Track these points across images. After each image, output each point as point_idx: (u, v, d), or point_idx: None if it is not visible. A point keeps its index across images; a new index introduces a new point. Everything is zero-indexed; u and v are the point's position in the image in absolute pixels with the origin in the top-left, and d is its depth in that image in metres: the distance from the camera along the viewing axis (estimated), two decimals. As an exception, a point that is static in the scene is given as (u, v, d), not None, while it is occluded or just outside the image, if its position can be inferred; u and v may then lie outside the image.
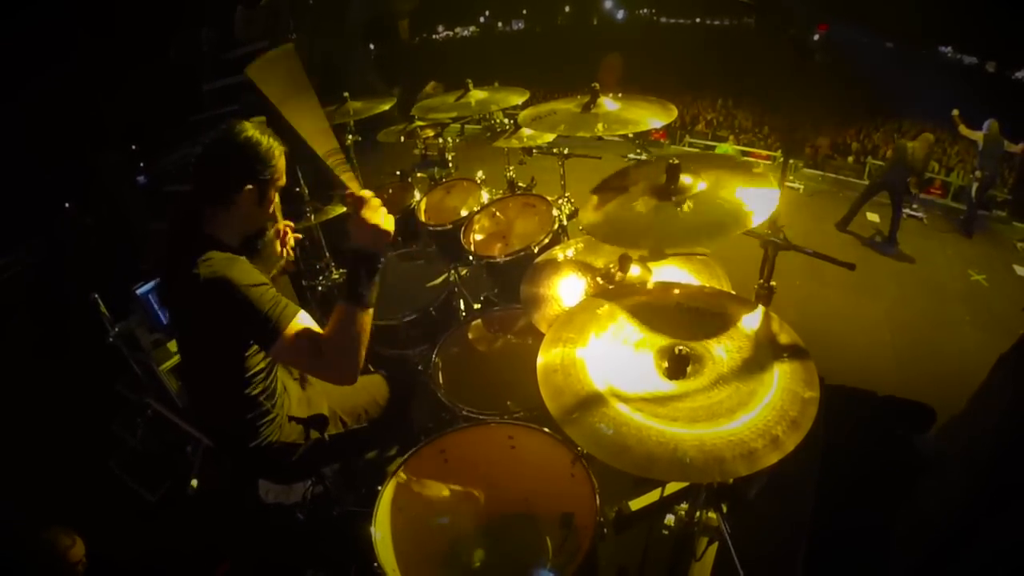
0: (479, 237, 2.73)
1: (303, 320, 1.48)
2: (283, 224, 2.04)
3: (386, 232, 1.48)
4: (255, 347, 1.59)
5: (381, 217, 1.47)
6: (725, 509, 1.88)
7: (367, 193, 1.48)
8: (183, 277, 1.46)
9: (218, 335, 1.53)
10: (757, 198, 1.49)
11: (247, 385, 1.63)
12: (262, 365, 1.65)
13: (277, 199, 1.69)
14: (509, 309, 2.43)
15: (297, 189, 3.06)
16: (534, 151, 3.00)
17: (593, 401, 1.23)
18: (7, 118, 4.91)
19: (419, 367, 2.37)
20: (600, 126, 2.10)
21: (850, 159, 11.67)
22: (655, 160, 1.81)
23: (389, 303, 2.50)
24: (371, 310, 1.48)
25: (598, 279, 2.02)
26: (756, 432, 1.10)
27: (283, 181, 1.63)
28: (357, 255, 1.47)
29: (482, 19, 27.68)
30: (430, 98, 3.36)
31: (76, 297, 3.26)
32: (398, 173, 3.35)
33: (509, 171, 3.20)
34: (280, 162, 1.58)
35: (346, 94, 3.31)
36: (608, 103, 2.19)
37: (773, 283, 1.65)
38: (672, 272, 1.98)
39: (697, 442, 1.10)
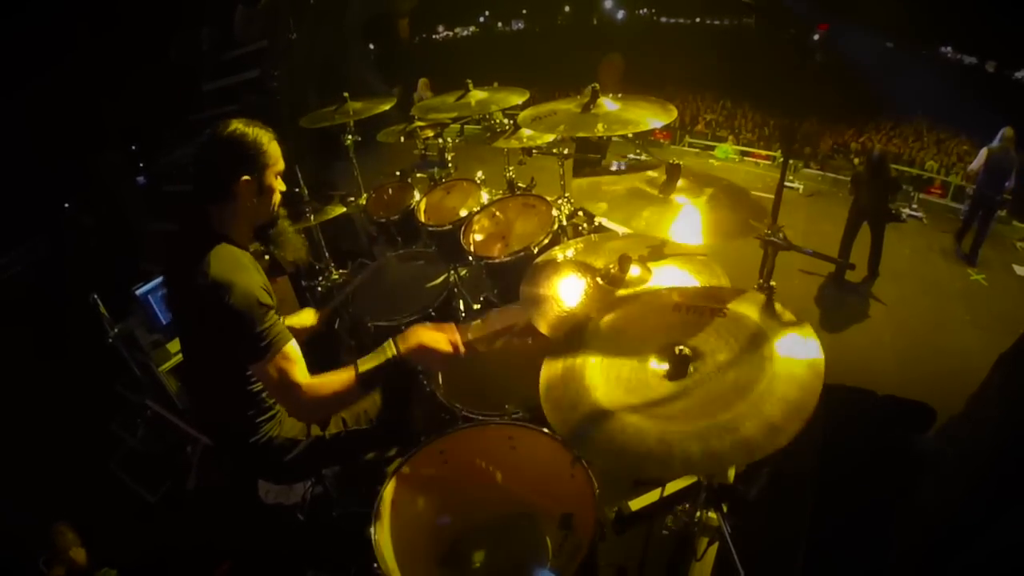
0: (479, 237, 2.73)
1: (292, 348, 1.55)
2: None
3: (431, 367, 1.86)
4: None
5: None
6: (725, 509, 1.88)
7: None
8: (192, 274, 1.49)
9: (216, 335, 1.54)
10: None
11: (248, 382, 1.64)
12: None
13: (282, 183, 1.70)
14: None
15: (297, 189, 3.06)
16: (534, 151, 3.00)
17: (595, 409, 1.23)
18: (8, 118, 4.91)
19: (419, 368, 2.37)
20: (600, 126, 2.10)
21: (856, 160, 11.67)
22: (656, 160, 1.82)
23: (389, 304, 2.49)
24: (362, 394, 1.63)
25: (598, 279, 2.02)
26: (755, 424, 1.10)
27: (281, 166, 1.66)
28: (401, 361, 1.61)
29: (482, 19, 27.66)
30: (425, 99, 3.37)
31: (76, 297, 3.26)
32: (398, 173, 3.35)
33: (509, 171, 3.20)
34: (271, 147, 1.61)
35: (346, 94, 3.31)
36: (608, 103, 2.19)
37: (773, 283, 1.65)
38: (672, 272, 1.97)
39: (696, 438, 1.10)
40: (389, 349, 1.62)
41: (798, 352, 1.22)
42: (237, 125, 1.57)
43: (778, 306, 1.38)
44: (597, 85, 2.20)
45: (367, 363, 1.60)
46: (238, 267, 1.52)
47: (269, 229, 1.78)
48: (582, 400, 1.27)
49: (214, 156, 1.58)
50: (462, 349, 1.66)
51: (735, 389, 1.20)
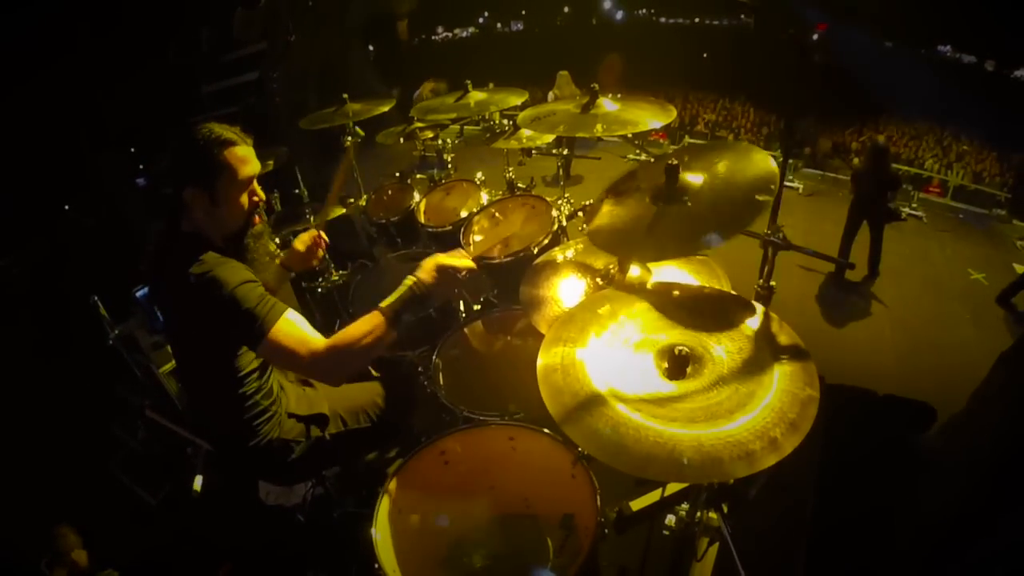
0: (478, 238, 2.73)
1: (291, 317, 1.49)
2: (314, 235, 2.08)
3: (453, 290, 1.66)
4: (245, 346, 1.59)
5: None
6: (726, 509, 1.88)
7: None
8: (173, 278, 1.47)
9: (207, 335, 1.53)
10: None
11: (241, 384, 1.62)
12: (255, 364, 1.65)
13: (259, 191, 1.62)
14: (509, 310, 2.43)
15: (297, 191, 3.06)
16: (533, 152, 3.01)
17: (593, 401, 1.23)
18: (7, 119, 4.91)
19: (419, 368, 2.37)
20: (599, 127, 2.10)
21: (855, 160, 11.66)
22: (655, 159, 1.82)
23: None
24: (394, 334, 1.55)
25: (597, 280, 2.02)
26: (755, 433, 1.10)
27: (244, 173, 1.53)
28: (423, 290, 1.57)
29: (481, 20, 27.66)
30: (427, 100, 3.37)
31: (76, 299, 3.26)
32: (397, 175, 3.35)
33: (508, 172, 3.20)
34: (229, 158, 1.49)
35: (345, 95, 3.31)
36: (607, 104, 2.19)
37: (773, 283, 1.65)
38: (672, 272, 1.98)
39: (695, 443, 1.10)
40: (408, 280, 1.57)
41: (796, 378, 1.22)
42: (193, 132, 1.48)
43: (777, 324, 1.38)
44: (596, 85, 2.20)
45: (389, 301, 1.55)
46: (217, 262, 1.48)
47: (240, 241, 1.63)
48: (580, 388, 1.27)
49: (171, 163, 1.53)
50: (473, 264, 1.66)
51: (736, 399, 1.20)
